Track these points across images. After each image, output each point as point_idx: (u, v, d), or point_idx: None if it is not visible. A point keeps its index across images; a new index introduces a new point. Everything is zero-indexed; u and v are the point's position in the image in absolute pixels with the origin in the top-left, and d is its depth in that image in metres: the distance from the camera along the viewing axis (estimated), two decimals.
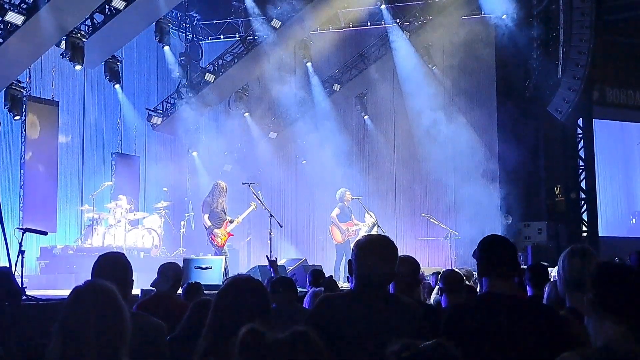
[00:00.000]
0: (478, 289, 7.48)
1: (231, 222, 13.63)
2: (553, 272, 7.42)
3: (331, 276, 9.66)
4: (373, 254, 3.78)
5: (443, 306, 5.79)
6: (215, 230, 13.53)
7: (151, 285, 6.80)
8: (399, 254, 4.04)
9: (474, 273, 12.46)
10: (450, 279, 5.86)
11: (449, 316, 3.76)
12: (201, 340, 3.29)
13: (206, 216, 13.49)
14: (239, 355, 2.82)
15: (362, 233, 15.12)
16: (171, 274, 6.59)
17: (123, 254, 4.43)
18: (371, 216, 15.80)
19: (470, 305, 4.04)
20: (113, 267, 4.19)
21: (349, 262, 3.90)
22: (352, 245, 4.03)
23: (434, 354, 2.34)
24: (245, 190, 14.67)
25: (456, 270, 6.60)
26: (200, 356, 3.25)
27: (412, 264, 5.06)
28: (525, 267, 7.28)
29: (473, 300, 4.57)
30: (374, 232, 15.12)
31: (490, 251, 3.88)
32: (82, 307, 2.95)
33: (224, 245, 13.59)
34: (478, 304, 3.92)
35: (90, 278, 3.79)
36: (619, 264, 2.99)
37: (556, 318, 3.67)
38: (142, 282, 7.78)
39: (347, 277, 7.53)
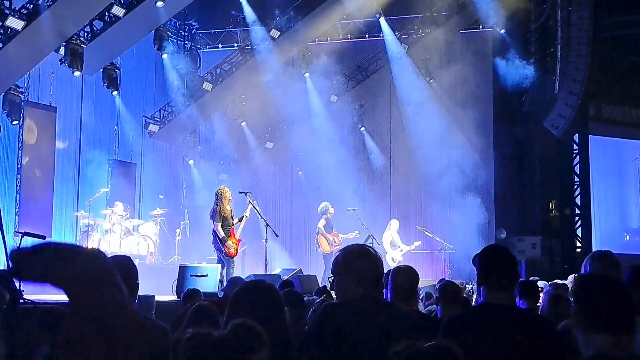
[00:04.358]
0: (473, 300, 7.54)
1: (240, 220, 13.01)
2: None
3: (325, 286, 9.70)
4: (361, 260, 3.81)
5: (439, 317, 5.81)
6: (228, 242, 12.62)
7: None
8: (400, 265, 4.05)
9: (467, 286, 12.53)
10: (447, 290, 5.88)
11: (446, 326, 3.73)
12: None
13: (219, 224, 12.58)
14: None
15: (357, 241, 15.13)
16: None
17: (129, 257, 4.42)
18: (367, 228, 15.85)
19: (468, 316, 4.02)
20: (119, 269, 4.19)
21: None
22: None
23: (436, 352, 2.35)
24: (241, 199, 14.66)
25: (453, 281, 6.63)
26: None
27: (411, 274, 5.10)
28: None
29: (470, 311, 4.56)
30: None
31: (491, 261, 3.83)
32: None
33: (236, 253, 13.10)
34: (475, 314, 3.90)
35: None
36: (599, 275, 3.01)
37: (554, 330, 3.67)
38: None
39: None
